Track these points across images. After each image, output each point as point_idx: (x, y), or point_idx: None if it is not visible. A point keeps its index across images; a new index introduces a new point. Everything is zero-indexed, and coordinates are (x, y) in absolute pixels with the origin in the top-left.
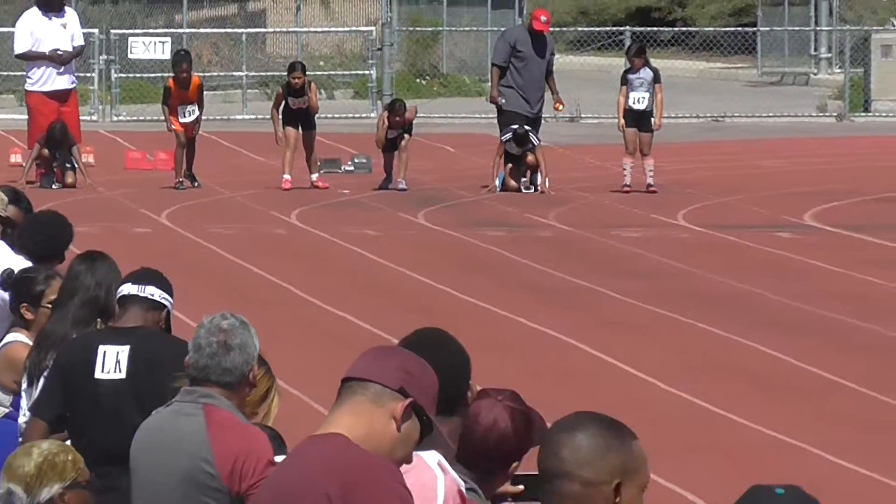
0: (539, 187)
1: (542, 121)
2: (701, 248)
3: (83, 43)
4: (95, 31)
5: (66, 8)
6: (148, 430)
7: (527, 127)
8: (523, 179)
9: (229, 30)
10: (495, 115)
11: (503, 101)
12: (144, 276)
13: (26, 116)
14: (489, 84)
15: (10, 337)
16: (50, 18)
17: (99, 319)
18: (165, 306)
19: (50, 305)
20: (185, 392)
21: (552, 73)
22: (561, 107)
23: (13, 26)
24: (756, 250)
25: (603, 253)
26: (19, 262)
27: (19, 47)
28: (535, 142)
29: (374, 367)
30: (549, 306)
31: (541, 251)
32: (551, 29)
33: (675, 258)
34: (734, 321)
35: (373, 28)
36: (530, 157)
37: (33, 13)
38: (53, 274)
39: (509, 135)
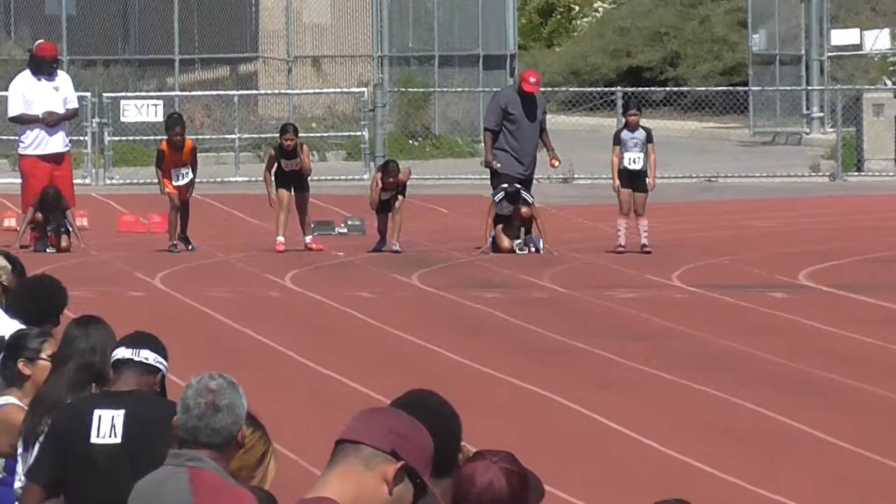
0: (538, 248)
1: (536, 182)
2: (696, 308)
3: (77, 106)
4: (88, 94)
5: (59, 71)
6: (137, 494)
7: (517, 185)
8: (517, 241)
9: (221, 92)
10: (488, 177)
11: (498, 164)
12: (139, 339)
13: (20, 180)
14: (482, 145)
15: (2, 400)
16: (41, 81)
17: (94, 384)
18: (160, 370)
19: (48, 358)
20: (173, 455)
21: (546, 130)
22: (557, 163)
23: (6, 90)
24: (751, 310)
25: (598, 314)
26: (14, 327)
27: (12, 111)
28: (529, 199)
29: (366, 430)
30: (544, 367)
31: (536, 312)
32: (543, 89)
33: (671, 319)
34: (728, 381)
35: (364, 89)
36: (524, 210)
37: (25, 76)
38: (47, 333)
39: (501, 194)
